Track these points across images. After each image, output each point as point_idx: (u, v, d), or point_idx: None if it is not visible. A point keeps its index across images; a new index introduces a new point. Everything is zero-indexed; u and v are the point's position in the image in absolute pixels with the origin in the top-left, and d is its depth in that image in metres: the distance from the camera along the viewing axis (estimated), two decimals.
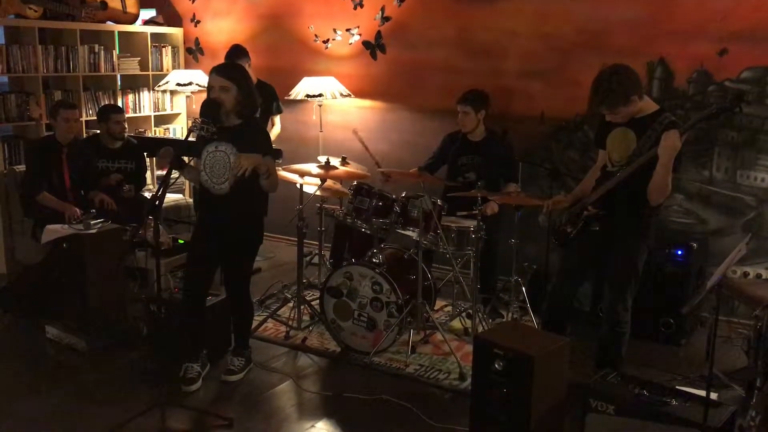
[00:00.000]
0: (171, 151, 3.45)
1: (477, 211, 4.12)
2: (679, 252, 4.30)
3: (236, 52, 5.54)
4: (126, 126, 5.27)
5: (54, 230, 4.21)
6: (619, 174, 3.33)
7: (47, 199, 4.73)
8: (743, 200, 4.53)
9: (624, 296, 3.47)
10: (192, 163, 3.61)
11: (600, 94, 3.25)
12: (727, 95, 3.14)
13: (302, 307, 4.49)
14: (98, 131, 5.35)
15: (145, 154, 5.51)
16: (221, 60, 5.45)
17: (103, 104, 5.88)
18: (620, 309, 3.47)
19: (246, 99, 3.51)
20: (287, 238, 6.04)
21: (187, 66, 6.76)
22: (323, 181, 4.44)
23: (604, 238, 3.45)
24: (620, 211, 3.38)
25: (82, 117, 5.78)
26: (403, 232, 4.30)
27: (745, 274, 4.16)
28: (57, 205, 4.68)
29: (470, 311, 4.33)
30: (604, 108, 3.31)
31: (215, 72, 3.54)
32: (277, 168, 4.06)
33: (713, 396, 2.83)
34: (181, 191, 6.38)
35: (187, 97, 6.63)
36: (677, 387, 3.07)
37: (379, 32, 5.75)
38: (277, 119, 5.78)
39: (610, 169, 3.45)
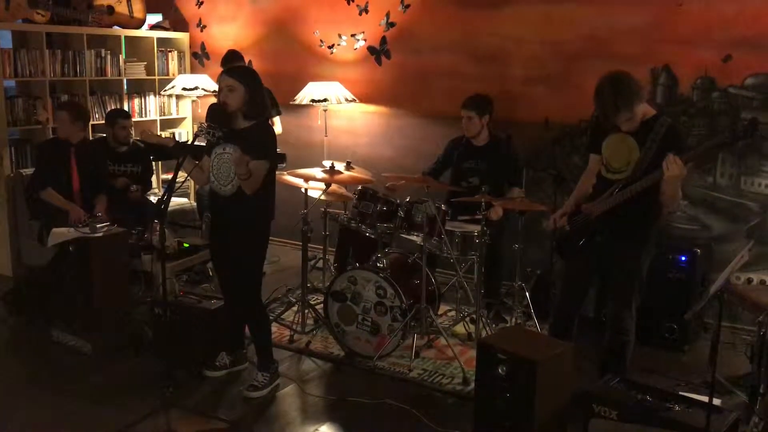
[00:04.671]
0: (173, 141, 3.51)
1: (481, 216, 4.13)
2: (683, 258, 4.29)
3: (231, 56, 5.58)
4: (131, 131, 5.30)
5: (60, 233, 4.23)
6: (626, 190, 3.27)
7: (52, 195, 4.73)
8: (747, 206, 4.53)
9: (629, 304, 3.45)
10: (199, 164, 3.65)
11: (614, 101, 3.17)
12: (738, 124, 3.10)
13: (306, 311, 4.50)
14: (105, 135, 5.38)
15: (151, 157, 5.54)
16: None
17: (111, 109, 5.92)
18: (625, 316, 3.45)
19: (253, 100, 3.53)
20: (292, 242, 6.06)
21: (193, 70, 6.80)
22: (328, 185, 4.46)
23: (607, 245, 3.44)
24: (624, 221, 3.35)
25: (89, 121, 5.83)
26: (407, 236, 4.31)
27: (749, 281, 4.16)
28: (61, 203, 4.69)
29: (474, 316, 4.33)
30: (625, 110, 3.19)
31: (224, 72, 3.59)
32: (280, 172, 4.08)
33: (716, 402, 2.83)
34: (186, 195, 6.41)
35: (193, 101, 6.66)
36: (680, 393, 3.08)
37: (384, 38, 5.77)
38: (276, 120, 5.79)
39: (609, 176, 3.41)
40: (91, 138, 5.77)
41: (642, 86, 3.25)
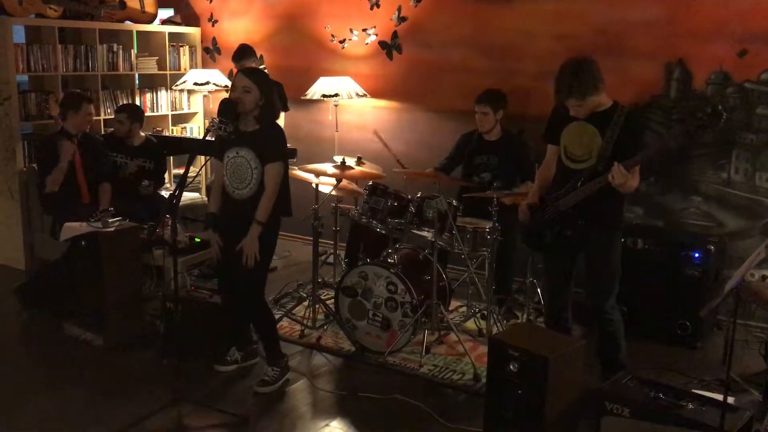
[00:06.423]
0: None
1: (495, 208, 4.10)
2: (696, 254, 4.26)
3: (243, 51, 5.57)
4: (122, 123, 5.27)
5: (72, 228, 4.25)
6: (588, 185, 3.28)
7: (54, 174, 4.77)
8: (762, 203, 4.49)
9: (609, 294, 3.45)
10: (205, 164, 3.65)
11: (570, 83, 3.20)
12: (705, 109, 3.11)
13: (317, 306, 4.50)
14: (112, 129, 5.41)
15: (164, 152, 5.54)
16: None
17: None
18: (608, 307, 3.45)
19: (266, 104, 3.54)
20: (303, 237, 6.06)
21: (205, 65, 6.81)
22: (339, 180, 4.45)
23: (578, 237, 3.41)
24: (592, 211, 3.33)
25: (100, 116, 5.86)
26: (418, 232, 4.30)
27: (764, 278, 4.12)
28: (60, 168, 4.74)
29: (485, 312, 4.32)
30: (574, 97, 3.22)
31: (241, 72, 3.59)
32: (291, 168, 4.08)
33: (730, 400, 2.80)
34: (197, 190, 6.42)
35: (205, 96, 6.67)
36: (693, 390, 3.05)
37: (395, 32, 5.75)
38: (281, 117, 5.76)
39: (572, 165, 3.38)
40: (102, 132, 5.81)
41: (602, 79, 3.24)
